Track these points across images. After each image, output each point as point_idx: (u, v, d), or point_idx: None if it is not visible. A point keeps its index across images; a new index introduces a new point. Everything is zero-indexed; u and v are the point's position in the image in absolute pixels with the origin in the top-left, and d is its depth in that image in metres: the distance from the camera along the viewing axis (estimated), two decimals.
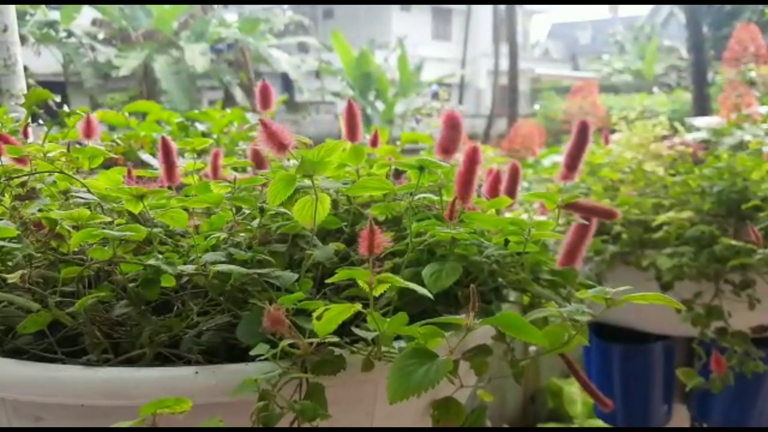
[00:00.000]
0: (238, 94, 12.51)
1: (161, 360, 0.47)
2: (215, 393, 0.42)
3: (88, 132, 0.75)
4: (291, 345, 0.41)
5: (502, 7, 14.15)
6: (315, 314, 0.41)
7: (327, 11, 19.40)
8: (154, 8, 11.73)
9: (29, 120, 1.14)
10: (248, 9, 14.63)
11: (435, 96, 13.15)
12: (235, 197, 0.55)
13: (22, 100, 2.04)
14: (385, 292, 0.50)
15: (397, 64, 14.88)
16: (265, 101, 0.74)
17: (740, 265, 0.95)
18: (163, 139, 0.67)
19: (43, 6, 10.23)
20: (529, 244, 0.56)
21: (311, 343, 0.41)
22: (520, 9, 21.12)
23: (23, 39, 9.69)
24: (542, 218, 1.08)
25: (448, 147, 0.62)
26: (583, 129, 0.61)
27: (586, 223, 0.65)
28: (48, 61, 10.73)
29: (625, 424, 1.26)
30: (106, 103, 12.00)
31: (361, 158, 0.61)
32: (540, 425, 2.11)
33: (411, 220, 0.55)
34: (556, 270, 0.65)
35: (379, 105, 14.87)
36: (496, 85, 15.49)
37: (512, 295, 0.62)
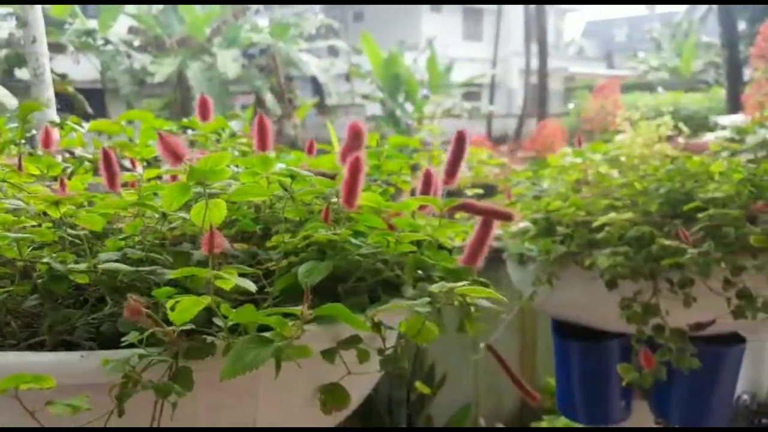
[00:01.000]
0: (269, 99, 12.72)
1: (67, 346, 0.54)
2: (97, 374, 0.49)
3: (47, 142, 0.83)
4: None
5: (534, 5, 14.06)
6: (168, 305, 0.47)
7: (357, 14, 19.56)
8: (187, 15, 12.00)
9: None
10: (279, 13, 14.83)
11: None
12: (137, 202, 0.62)
13: (51, 109, 2.17)
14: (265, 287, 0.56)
15: (426, 65, 14.93)
16: (204, 114, 0.81)
17: (675, 264, 0.98)
18: (104, 150, 0.74)
19: (81, 15, 10.57)
20: (405, 244, 0.61)
21: (174, 331, 0.47)
22: (553, 7, 20.93)
23: (63, 47, 10.05)
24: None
25: (347, 155, 0.67)
26: (460, 139, 0.67)
27: (482, 224, 0.70)
28: (86, 69, 11.09)
29: (585, 418, 1.30)
30: (142, 109, 12.33)
31: (268, 166, 0.68)
32: (534, 424, 2.14)
33: (282, 224, 0.61)
34: (452, 268, 0.70)
35: (408, 106, 14.91)
36: (527, 85, 15.40)
37: (410, 291, 0.68)
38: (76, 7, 10.31)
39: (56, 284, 0.54)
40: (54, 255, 0.55)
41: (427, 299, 0.55)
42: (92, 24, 10.75)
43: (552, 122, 6.23)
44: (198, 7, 12.12)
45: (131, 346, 0.50)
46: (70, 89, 9.05)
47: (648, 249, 1.01)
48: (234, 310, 0.47)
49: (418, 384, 0.96)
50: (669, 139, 3.01)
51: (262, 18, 15.05)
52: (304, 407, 0.62)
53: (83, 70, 10.98)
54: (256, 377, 0.53)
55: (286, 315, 0.49)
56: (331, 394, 0.60)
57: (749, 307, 0.99)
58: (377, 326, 0.59)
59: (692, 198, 1.08)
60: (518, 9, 17.54)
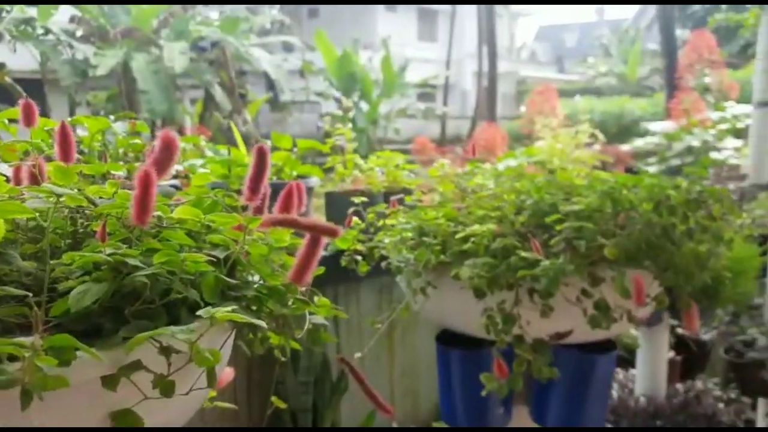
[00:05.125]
0: (219, 94, 12.52)
1: None
2: None
3: None
4: None
5: (484, 8, 14.20)
6: None
7: (312, 11, 19.43)
8: (134, 6, 11.72)
9: None
10: (229, 8, 14.61)
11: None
12: None
13: None
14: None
15: (381, 64, 14.92)
16: (28, 119, 0.78)
17: (531, 275, 0.99)
18: None
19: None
20: (200, 263, 0.59)
21: None
22: (506, 11, 21.19)
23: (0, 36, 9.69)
24: None
25: (159, 167, 0.65)
26: (261, 155, 0.65)
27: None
28: (26, 59, 10.72)
29: (465, 424, 1.31)
30: (87, 101, 12.04)
31: (70, 179, 0.65)
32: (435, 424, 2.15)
33: (45, 243, 0.59)
34: (274, 286, 0.69)
35: (364, 105, 14.91)
36: (479, 87, 15.54)
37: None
38: None
39: None
40: None
41: (194, 325, 0.53)
42: (32, 12, 10.39)
43: (491, 126, 6.30)
44: None
45: None
46: (8, 79, 8.72)
47: (508, 260, 1.01)
48: None
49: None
50: (588, 145, 3.06)
51: (212, 11, 14.80)
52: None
53: (22, 59, 10.61)
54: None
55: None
56: (123, 419, 0.58)
57: (604, 318, 1.01)
58: (165, 350, 0.57)
59: (558, 210, 1.09)
60: (472, 11, 17.69)
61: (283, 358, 0.90)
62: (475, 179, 1.24)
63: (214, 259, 0.61)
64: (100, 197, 0.73)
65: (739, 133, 4.63)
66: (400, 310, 1.18)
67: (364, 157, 2.23)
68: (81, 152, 1.44)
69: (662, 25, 9.82)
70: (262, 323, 0.56)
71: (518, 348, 1.02)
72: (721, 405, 1.84)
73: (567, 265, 0.96)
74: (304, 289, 0.77)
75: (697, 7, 15.51)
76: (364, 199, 1.31)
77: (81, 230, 0.71)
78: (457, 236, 1.04)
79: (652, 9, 18.20)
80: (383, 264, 1.23)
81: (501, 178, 1.24)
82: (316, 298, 0.92)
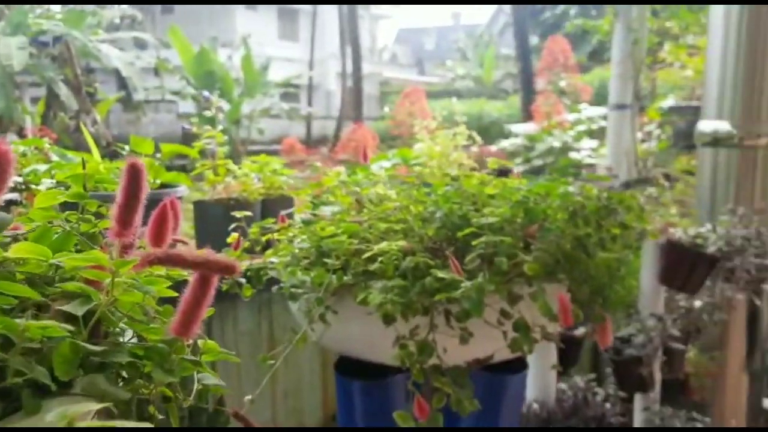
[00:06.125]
0: (64, 92, 11.50)
1: None
2: None
3: None
4: None
5: (346, 8, 14.21)
6: None
7: (166, 6, 18.43)
8: None
9: None
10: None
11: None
12: None
13: None
14: None
15: (242, 63, 14.45)
16: None
17: (447, 298, 0.89)
18: None
19: None
20: (52, 327, 0.42)
21: None
22: (367, 13, 21.42)
23: None
24: None
25: None
26: (134, 175, 0.49)
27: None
28: None
29: None
30: None
31: None
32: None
33: None
34: (155, 345, 0.52)
35: (224, 105, 14.36)
36: (344, 87, 15.52)
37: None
38: None
39: None
40: None
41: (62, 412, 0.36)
42: None
43: (361, 127, 6.25)
44: None
45: None
46: None
47: (422, 282, 0.90)
48: None
49: None
50: (465, 147, 3.05)
51: (56, 5, 13.60)
52: None
53: None
54: None
55: None
56: None
57: (525, 340, 0.93)
58: None
59: (469, 222, 1.00)
60: (333, 11, 17.66)
61: (160, 416, 0.73)
62: (374, 188, 1.12)
63: (70, 327, 0.44)
64: None
65: (594, 134, 4.90)
66: (294, 343, 1.03)
67: (229, 158, 2.04)
68: None
69: (516, 30, 10.32)
70: (149, 426, 0.40)
71: (436, 381, 0.91)
72: (608, 405, 1.86)
73: (488, 284, 0.87)
74: (190, 341, 0.61)
75: (547, 14, 16.55)
76: (248, 213, 1.15)
77: None
78: (364, 256, 0.91)
79: (504, 15, 19.20)
80: (274, 288, 1.07)
81: (402, 186, 1.13)
82: (201, 342, 0.75)
